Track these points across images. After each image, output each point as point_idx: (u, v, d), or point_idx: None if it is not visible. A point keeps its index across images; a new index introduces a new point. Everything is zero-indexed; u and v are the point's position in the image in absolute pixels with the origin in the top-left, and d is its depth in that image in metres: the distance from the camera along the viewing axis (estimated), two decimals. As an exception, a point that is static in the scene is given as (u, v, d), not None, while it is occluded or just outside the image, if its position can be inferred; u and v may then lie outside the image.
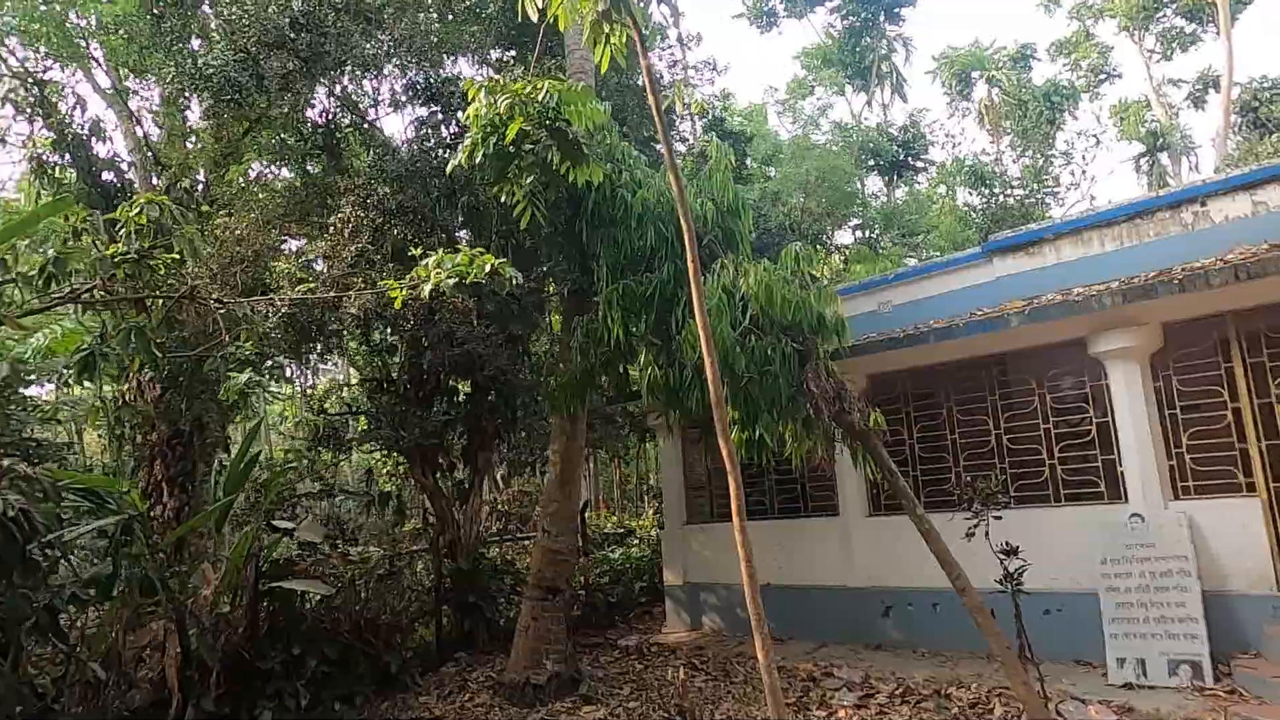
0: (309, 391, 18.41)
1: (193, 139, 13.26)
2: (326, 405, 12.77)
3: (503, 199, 6.67)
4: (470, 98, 6.38)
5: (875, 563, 9.40)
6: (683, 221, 5.35)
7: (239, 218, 8.44)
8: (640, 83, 9.69)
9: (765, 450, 6.51)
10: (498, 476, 17.36)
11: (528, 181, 6.32)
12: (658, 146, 9.19)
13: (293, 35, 7.92)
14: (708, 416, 5.48)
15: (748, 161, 20.84)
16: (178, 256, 6.15)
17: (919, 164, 31.19)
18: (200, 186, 12.32)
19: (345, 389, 13.70)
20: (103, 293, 5.80)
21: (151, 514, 11.20)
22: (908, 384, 9.65)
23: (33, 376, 8.25)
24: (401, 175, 8.58)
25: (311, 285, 7.49)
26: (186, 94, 8.34)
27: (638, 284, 7.09)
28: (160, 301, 6.30)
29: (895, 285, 11.00)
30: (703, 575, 11.28)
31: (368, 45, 8.49)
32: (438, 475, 10.86)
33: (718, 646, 9.87)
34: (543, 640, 8.27)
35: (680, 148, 14.44)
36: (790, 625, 9.85)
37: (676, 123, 13.52)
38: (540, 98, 6.11)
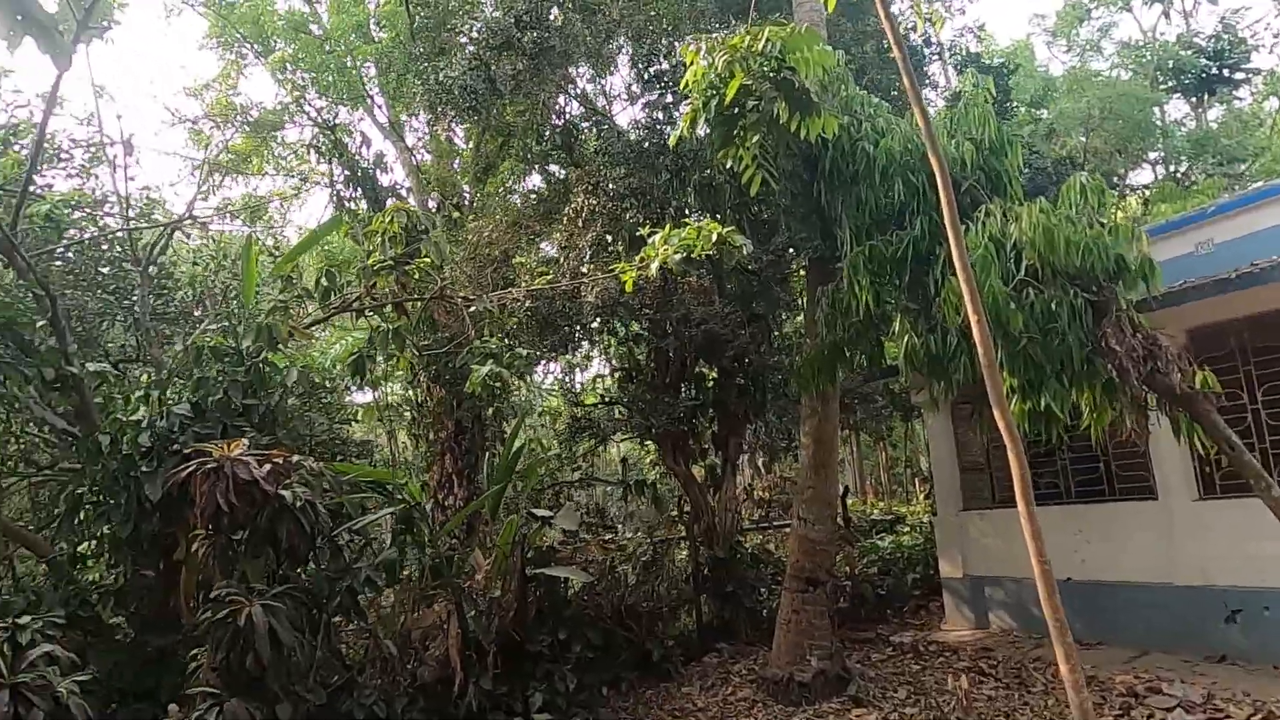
0: (575, 385, 19.37)
1: (456, 160, 14.54)
2: (584, 397, 13.25)
3: (730, 165, 6.27)
4: (689, 62, 6.05)
5: (1210, 555, 7.75)
6: (934, 164, 4.63)
7: (487, 220, 8.89)
8: (879, 26, 8.82)
9: (1054, 423, 5.57)
10: (759, 463, 17.10)
11: (753, 141, 5.85)
12: (899, 91, 8.30)
13: (519, 34, 8.18)
14: (979, 387, 4.81)
15: (1012, 103, 18.52)
16: (430, 260, 6.54)
17: (1238, 76, 25.74)
18: (465, 200, 13.48)
19: (599, 380, 14.18)
20: (369, 299, 6.27)
21: (445, 504, 12.40)
22: (1245, 337, 7.81)
23: (325, 382, 9.30)
24: (629, 158, 8.53)
25: (550, 276, 7.68)
26: (436, 110, 8.96)
27: (886, 244, 6.43)
28: (417, 304, 6.74)
29: (1216, 220, 9.01)
30: (986, 567, 10.08)
31: (589, 33, 8.52)
32: (689, 462, 10.75)
33: (1009, 648, 8.71)
34: (805, 634, 7.80)
35: (931, 94, 13.06)
36: (1099, 628, 8.45)
37: (924, 66, 12.21)
38: (760, 48, 5.61)
